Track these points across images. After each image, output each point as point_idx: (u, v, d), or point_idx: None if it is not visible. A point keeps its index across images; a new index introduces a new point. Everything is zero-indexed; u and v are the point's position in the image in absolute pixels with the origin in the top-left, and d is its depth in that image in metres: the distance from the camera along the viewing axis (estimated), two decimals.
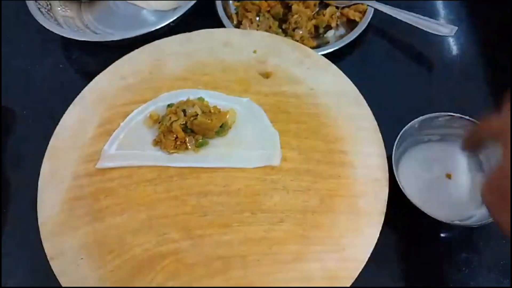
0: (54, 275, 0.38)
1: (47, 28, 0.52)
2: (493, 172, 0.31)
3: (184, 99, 0.43)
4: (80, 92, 0.47)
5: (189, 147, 0.42)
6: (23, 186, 0.50)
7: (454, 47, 0.57)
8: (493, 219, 0.31)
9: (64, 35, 0.52)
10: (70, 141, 0.44)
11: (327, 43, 0.55)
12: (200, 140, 0.42)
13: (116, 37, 0.52)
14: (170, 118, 0.41)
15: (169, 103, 0.44)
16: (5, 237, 0.47)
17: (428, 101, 0.53)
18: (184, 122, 0.41)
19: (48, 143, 0.44)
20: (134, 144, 0.43)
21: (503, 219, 0.29)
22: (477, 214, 0.43)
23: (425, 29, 0.53)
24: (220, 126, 0.42)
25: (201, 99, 0.44)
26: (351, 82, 0.45)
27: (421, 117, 0.45)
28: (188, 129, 0.41)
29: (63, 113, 0.46)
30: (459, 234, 0.45)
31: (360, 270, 0.37)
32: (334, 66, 0.47)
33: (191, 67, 0.47)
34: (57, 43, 0.59)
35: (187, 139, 0.41)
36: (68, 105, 0.46)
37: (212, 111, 0.42)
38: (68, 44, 0.59)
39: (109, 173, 0.42)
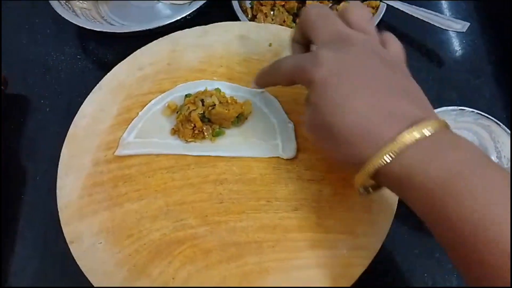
0: (71, 259, 0.39)
1: (66, 18, 0.53)
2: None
3: (202, 89, 0.44)
4: (96, 82, 0.48)
5: (206, 136, 0.43)
6: (40, 174, 0.51)
7: (465, 43, 0.58)
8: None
9: (83, 26, 0.53)
10: (89, 129, 0.45)
11: None
12: (217, 130, 0.43)
13: (134, 28, 0.53)
14: (189, 107, 0.42)
15: (186, 93, 0.45)
16: (23, 222, 0.48)
17: (438, 96, 0.54)
18: (202, 112, 0.42)
19: (64, 132, 0.45)
20: (152, 133, 0.44)
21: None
22: None
23: (437, 25, 0.54)
24: (237, 117, 0.43)
25: (218, 90, 0.44)
26: None
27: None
28: (205, 119, 0.42)
29: (80, 102, 0.47)
30: None
31: (372, 258, 0.37)
32: None
33: (208, 59, 0.48)
34: (74, 34, 0.60)
35: (205, 128, 0.42)
36: (85, 95, 0.47)
37: (229, 101, 0.43)
38: (85, 35, 0.60)
39: (127, 160, 0.43)
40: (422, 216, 0.28)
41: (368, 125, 0.29)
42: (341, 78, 0.31)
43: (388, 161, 0.28)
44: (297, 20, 0.37)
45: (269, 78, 0.39)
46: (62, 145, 0.44)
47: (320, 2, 0.56)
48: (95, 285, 0.37)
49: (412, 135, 0.28)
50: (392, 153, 0.28)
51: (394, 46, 0.35)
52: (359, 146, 0.29)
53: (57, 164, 0.43)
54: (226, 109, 0.42)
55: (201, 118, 0.42)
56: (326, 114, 0.30)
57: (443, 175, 0.26)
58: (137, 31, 0.53)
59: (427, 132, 0.28)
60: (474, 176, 0.26)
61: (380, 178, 0.30)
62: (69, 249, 0.39)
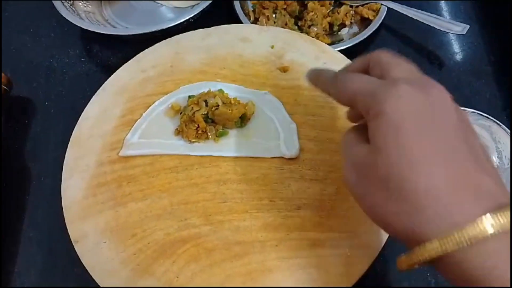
0: (75, 259, 0.39)
1: (71, 21, 0.54)
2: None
3: (205, 90, 0.45)
4: (100, 84, 0.49)
5: (210, 136, 0.43)
6: (44, 175, 0.51)
7: (465, 45, 0.58)
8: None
9: (87, 28, 0.54)
10: (93, 130, 0.45)
11: (340, 40, 0.57)
12: (221, 130, 0.43)
13: (137, 31, 0.53)
14: (192, 108, 0.42)
15: (189, 94, 0.45)
16: (27, 222, 0.49)
17: None
18: (205, 112, 0.42)
19: (68, 133, 0.46)
20: (156, 134, 0.44)
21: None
22: None
23: (438, 28, 0.54)
24: (240, 117, 0.43)
25: (221, 91, 0.45)
26: None
27: None
28: (209, 119, 0.43)
29: (84, 104, 0.47)
30: None
31: (375, 257, 0.38)
32: (349, 61, 0.48)
33: (210, 61, 0.49)
34: (78, 37, 0.61)
35: (208, 128, 0.43)
36: (89, 97, 0.48)
37: (233, 102, 0.43)
38: (88, 38, 0.60)
39: (131, 161, 0.43)
40: None
41: (450, 196, 0.24)
42: (421, 126, 0.25)
43: (466, 245, 0.22)
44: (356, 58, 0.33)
45: (326, 86, 0.33)
46: (66, 146, 0.45)
47: (321, 6, 0.56)
48: (100, 284, 0.38)
49: (501, 219, 0.22)
50: (474, 237, 0.22)
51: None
52: (432, 217, 0.24)
53: (61, 165, 0.44)
54: (229, 110, 0.42)
55: (205, 119, 0.42)
56: (398, 165, 0.25)
57: None
58: (140, 34, 0.53)
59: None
60: None
61: (442, 264, 0.24)
62: (73, 248, 0.40)
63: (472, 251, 0.22)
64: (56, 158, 0.47)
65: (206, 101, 0.43)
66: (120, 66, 0.50)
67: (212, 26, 0.52)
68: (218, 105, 0.42)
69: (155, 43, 0.51)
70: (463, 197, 0.23)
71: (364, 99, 0.27)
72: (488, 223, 0.22)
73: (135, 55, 0.50)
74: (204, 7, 0.55)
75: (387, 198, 0.25)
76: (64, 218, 0.41)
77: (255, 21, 0.58)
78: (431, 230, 0.23)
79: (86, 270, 0.39)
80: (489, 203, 0.23)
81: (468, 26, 0.53)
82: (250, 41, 0.50)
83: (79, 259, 0.39)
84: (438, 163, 0.24)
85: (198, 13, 0.55)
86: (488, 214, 0.22)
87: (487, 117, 0.47)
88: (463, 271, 0.23)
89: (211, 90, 0.45)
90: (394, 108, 0.25)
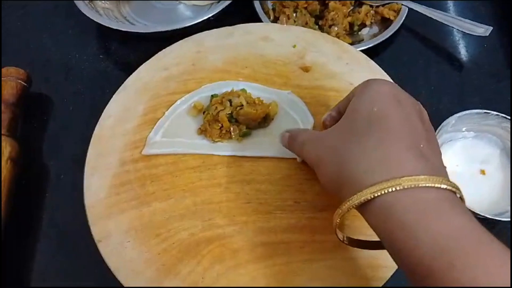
0: (95, 258, 0.39)
1: (91, 18, 0.54)
2: None
3: (228, 90, 0.44)
4: (118, 82, 0.48)
5: (233, 136, 0.43)
6: (63, 173, 0.51)
7: (486, 47, 0.58)
8: None
9: (108, 26, 0.54)
10: (115, 128, 0.45)
11: (361, 40, 0.57)
12: (244, 130, 0.43)
13: (158, 29, 0.53)
14: (216, 107, 0.42)
15: (212, 93, 0.45)
16: (46, 221, 0.49)
17: (460, 100, 0.54)
18: (229, 112, 0.42)
19: (87, 131, 0.45)
20: (179, 133, 0.44)
21: None
22: (510, 210, 0.44)
23: (460, 29, 0.54)
24: (263, 117, 0.43)
25: (244, 91, 0.45)
26: (390, 78, 0.46)
27: (457, 114, 0.46)
28: (232, 119, 0.42)
29: (102, 102, 0.47)
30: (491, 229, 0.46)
31: None
32: (372, 62, 0.48)
33: (232, 60, 0.49)
34: (96, 35, 0.61)
35: (232, 128, 0.42)
36: (107, 95, 0.47)
37: (256, 102, 0.43)
38: (106, 35, 0.60)
39: (154, 160, 0.43)
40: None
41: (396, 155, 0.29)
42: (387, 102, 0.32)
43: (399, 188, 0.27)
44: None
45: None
46: (84, 144, 0.44)
47: (342, 5, 0.56)
48: (124, 284, 0.38)
49: (436, 178, 0.27)
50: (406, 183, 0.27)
51: None
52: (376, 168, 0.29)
53: (80, 163, 0.43)
54: (254, 110, 0.42)
55: (229, 119, 0.42)
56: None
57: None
58: (160, 32, 0.53)
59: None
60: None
61: (374, 208, 0.28)
62: (93, 248, 0.39)
63: (404, 195, 0.27)
64: (75, 156, 0.47)
65: (230, 101, 0.42)
66: (139, 64, 0.49)
67: (231, 25, 0.51)
68: (243, 105, 0.42)
69: (173, 41, 0.51)
70: (405, 158, 0.28)
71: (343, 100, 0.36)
72: (423, 177, 0.27)
73: (153, 53, 0.50)
74: (225, 6, 0.55)
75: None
76: (83, 216, 0.41)
77: (275, 20, 0.57)
78: (373, 178, 0.28)
79: (107, 269, 0.38)
80: (427, 168, 0.28)
81: (491, 28, 0.53)
82: (272, 41, 0.50)
83: (100, 258, 0.39)
84: (401, 132, 0.29)
85: (218, 12, 0.54)
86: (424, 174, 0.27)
87: (510, 119, 0.46)
88: (391, 214, 0.27)
89: (234, 90, 0.44)
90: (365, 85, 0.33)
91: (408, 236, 0.26)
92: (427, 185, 0.27)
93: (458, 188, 0.28)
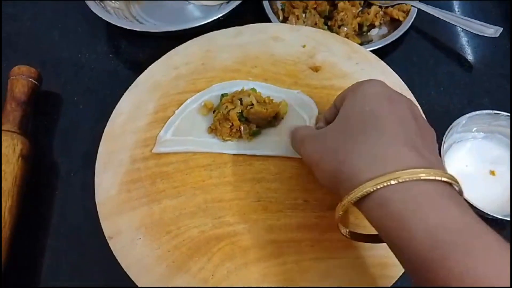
0: (106, 254, 0.39)
1: (101, 17, 0.54)
2: None
3: (238, 89, 0.45)
4: (128, 80, 0.49)
5: (243, 135, 0.43)
6: (73, 170, 0.52)
7: (495, 48, 0.58)
8: None
9: (119, 25, 0.54)
10: (126, 126, 0.45)
11: (370, 41, 0.57)
12: (254, 129, 0.43)
13: (169, 28, 0.53)
14: (227, 106, 0.42)
15: (222, 92, 0.45)
16: (56, 217, 0.49)
17: (470, 101, 0.54)
18: (240, 111, 0.42)
19: (97, 129, 0.45)
20: (189, 131, 0.44)
21: None
22: None
23: (470, 30, 0.54)
24: (273, 116, 0.43)
25: (253, 90, 0.45)
26: (400, 79, 0.46)
27: (468, 114, 0.46)
28: (242, 118, 0.43)
29: (112, 100, 0.47)
30: (501, 230, 0.46)
31: None
32: (382, 63, 0.48)
33: (242, 59, 0.49)
34: (106, 33, 0.61)
35: (242, 127, 0.43)
36: (117, 93, 0.48)
37: (267, 101, 0.43)
38: (116, 34, 0.61)
39: (164, 158, 0.43)
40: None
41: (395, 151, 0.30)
42: (381, 100, 0.33)
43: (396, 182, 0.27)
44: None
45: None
46: (95, 142, 0.45)
47: (351, 6, 0.56)
48: (135, 281, 0.38)
49: (433, 171, 0.28)
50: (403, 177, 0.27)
51: None
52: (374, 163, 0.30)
53: (90, 161, 0.44)
54: (264, 109, 0.42)
55: (239, 117, 0.42)
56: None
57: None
58: (170, 31, 0.53)
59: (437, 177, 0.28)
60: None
61: (371, 202, 0.29)
62: (104, 244, 0.39)
63: (401, 189, 0.27)
64: (85, 154, 0.47)
65: (240, 100, 0.43)
66: (148, 63, 0.50)
67: (241, 25, 0.52)
68: (253, 104, 0.42)
69: (182, 41, 0.51)
70: (401, 153, 0.29)
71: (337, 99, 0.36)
72: (418, 170, 0.27)
73: (163, 52, 0.50)
74: (234, 6, 0.55)
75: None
76: (94, 213, 0.41)
77: (284, 20, 0.58)
78: (371, 173, 0.28)
79: (117, 266, 0.38)
80: (422, 162, 0.28)
81: (501, 29, 0.53)
82: (282, 40, 0.50)
83: (110, 255, 0.39)
84: (395, 129, 0.30)
85: (228, 12, 0.55)
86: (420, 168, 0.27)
87: None
88: (389, 207, 0.27)
89: (244, 89, 0.45)
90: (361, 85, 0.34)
91: (404, 228, 0.26)
92: (423, 177, 0.27)
93: (455, 180, 0.29)
